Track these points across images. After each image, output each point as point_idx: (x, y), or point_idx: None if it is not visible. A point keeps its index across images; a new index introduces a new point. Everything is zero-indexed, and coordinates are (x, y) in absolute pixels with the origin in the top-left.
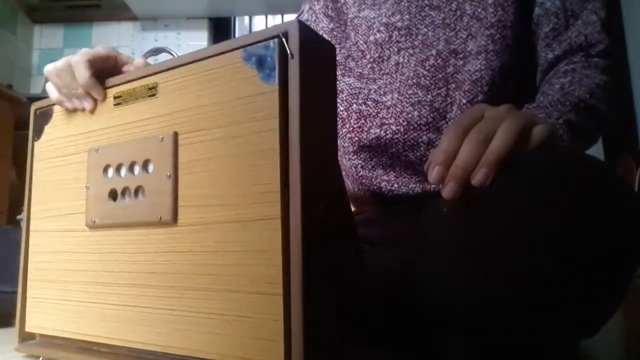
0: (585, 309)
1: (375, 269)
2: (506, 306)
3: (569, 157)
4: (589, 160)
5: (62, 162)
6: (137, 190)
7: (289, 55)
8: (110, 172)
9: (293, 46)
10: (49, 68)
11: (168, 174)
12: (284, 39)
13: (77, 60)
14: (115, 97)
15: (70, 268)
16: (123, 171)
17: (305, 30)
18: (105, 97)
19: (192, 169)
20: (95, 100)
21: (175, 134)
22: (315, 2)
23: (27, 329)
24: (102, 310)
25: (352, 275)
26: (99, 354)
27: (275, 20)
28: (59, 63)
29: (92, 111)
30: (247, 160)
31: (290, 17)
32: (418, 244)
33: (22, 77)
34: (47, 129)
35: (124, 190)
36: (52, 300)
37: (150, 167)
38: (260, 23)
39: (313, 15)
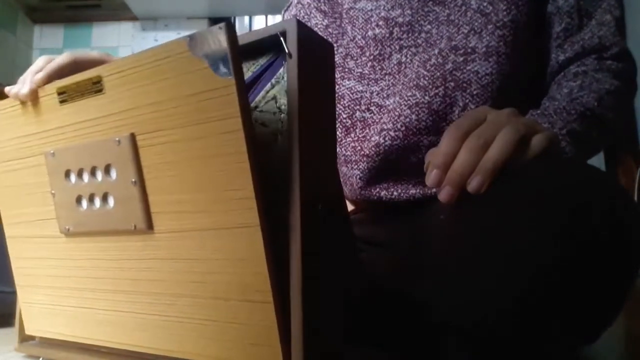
0: (585, 316)
1: (373, 269)
2: (506, 315)
3: (566, 169)
4: (587, 171)
5: (19, 165)
6: (105, 196)
7: (287, 55)
8: (73, 177)
9: (291, 45)
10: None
11: (133, 180)
12: (282, 38)
13: (64, 54)
14: (59, 93)
15: (55, 274)
16: (86, 176)
17: (303, 29)
18: (41, 84)
19: (158, 172)
20: (35, 91)
21: (132, 136)
22: None
23: (26, 331)
24: (96, 315)
25: (351, 276)
26: (99, 355)
27: (275, 20)
28: (52, 56)
29: (34, 104)
30: (215, 164)
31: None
32: (415, 248)
33: None
34: None
35: (91, 197)
36: (45, 305)
37: (113, 173)
38: (260, 23)
39: (302, 11)
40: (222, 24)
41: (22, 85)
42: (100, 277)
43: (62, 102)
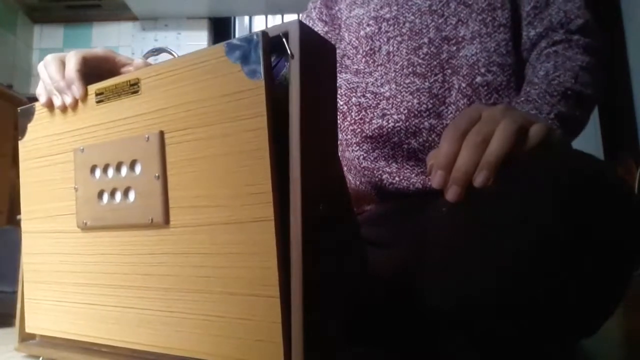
0: (585, 308)
1: (375, 269)
2: (506, 308)
3: (570, 160)
4: (589, 162)
5: (47, 162)
6: (126, 191)
7: (290, 55)
8: (98, 172)
9: (293, 46)
10: (46, 59)
11: (156, 174)
12: (284, 39)
13: (72, 55)
14: (97, 94)
15: (65, 270)
16: (110, 172)
17: (305, 30)
18: (85, 94)
19: (181, 169)
20: (77, 100)
21: (161, 133)
22: (312, 10)
23: (27, 329)
24: (101, 312)
25: (352, 275)
26: (100, 354)
27: (275, 20)
28: (56, 55)
29: (74, 108)
30: (236, 160)
31: (290, 17)
32: (418, 245)
33: (22, 77)
34: (30, 127)
35: (113, 191)
36: (50, 301)
37: (138, 168)
38: (260, 23)
39: (310, 22)
40: (258, 32)
41: (64, 97)
42: (111, 273)
43: (98, 102)
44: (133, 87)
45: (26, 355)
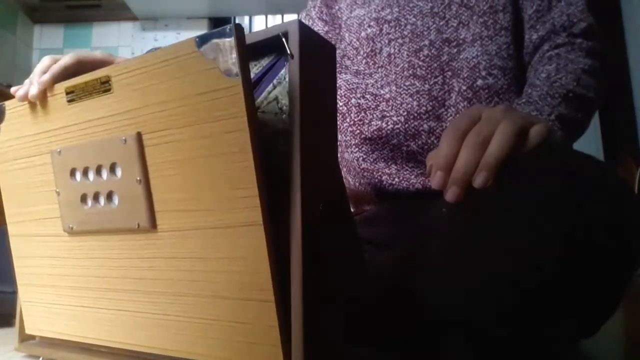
0: (585, 308)
1: (375, 269)
2: (506, 308)
3: (570, 160)
4: (589, 163)
5: (25, 164)
6: (109, 195)
7: (289, 55)
8: (78, 175)
9: (293, 46)
10: (42, 59)
11: (138, 178)
12: (284, 39)
13: (67, 55)
14: (67, 93)
15: (57, 273)
16: (91, 175)
17: (305, 30)
18: (51, 84)
19: (163, 172)
20: (43, 91)
21: (139, 135)
22: (312, 9)
23: (26, 330)
24: (96, 314)
25: (352, 275)
26: (99, 354)
27: (275, 20)
28: (54, 55)
29: (43, 104)
30: (219, 163)
31: (290, 17)
32: (418, 245)
33: (22, 77)
34: (3, 127)
35: (96, 195)
36: (46, 304)
37: (119, 171)
38: (260, 23)
39: (310, 21)
40: (230, 25)
41: (30, 87)
42: (102, 276)
43: (70, 101)
44: (104, 85)
45: (26, 355)
